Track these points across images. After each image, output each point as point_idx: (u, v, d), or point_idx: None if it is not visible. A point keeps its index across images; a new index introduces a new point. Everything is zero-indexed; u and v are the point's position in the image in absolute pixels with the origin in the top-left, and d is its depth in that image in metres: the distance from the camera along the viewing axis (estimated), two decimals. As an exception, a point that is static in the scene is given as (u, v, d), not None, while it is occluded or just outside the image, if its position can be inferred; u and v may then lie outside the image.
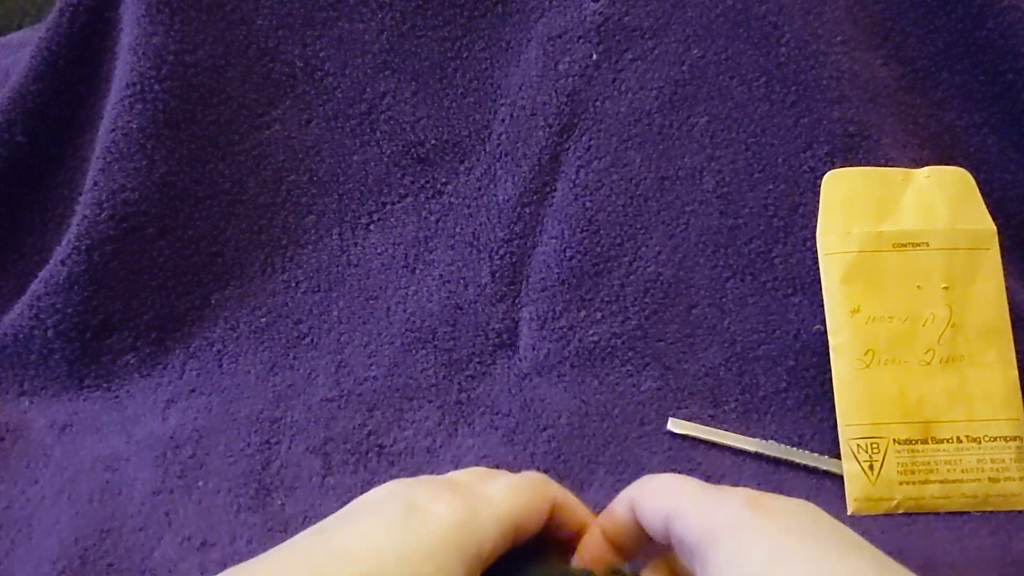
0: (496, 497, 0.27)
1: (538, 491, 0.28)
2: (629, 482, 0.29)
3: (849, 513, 0.38)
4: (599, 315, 0.43)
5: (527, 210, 0.44)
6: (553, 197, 0.44)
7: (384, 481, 0.27)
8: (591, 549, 0.29)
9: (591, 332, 0.43)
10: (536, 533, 0.28)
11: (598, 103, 0.45)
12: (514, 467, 0.37)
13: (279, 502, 0.37)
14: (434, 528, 0.24)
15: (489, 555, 0.25)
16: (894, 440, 0.38)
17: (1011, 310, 0.39)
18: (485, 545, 0.25)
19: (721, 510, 0.24)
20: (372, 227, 0.46)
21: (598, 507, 0.30)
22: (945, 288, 0.39)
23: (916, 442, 0.38)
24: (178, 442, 0.40)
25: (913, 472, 0.38)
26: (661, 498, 0.26)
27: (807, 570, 0.22)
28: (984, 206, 0.41)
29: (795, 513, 0.25)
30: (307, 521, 0.35)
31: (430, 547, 0.24)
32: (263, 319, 0.44)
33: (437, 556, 0.24)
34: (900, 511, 0.38)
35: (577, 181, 0.44)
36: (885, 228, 0.40)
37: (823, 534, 0.24)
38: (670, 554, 0.28)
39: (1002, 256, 0.40)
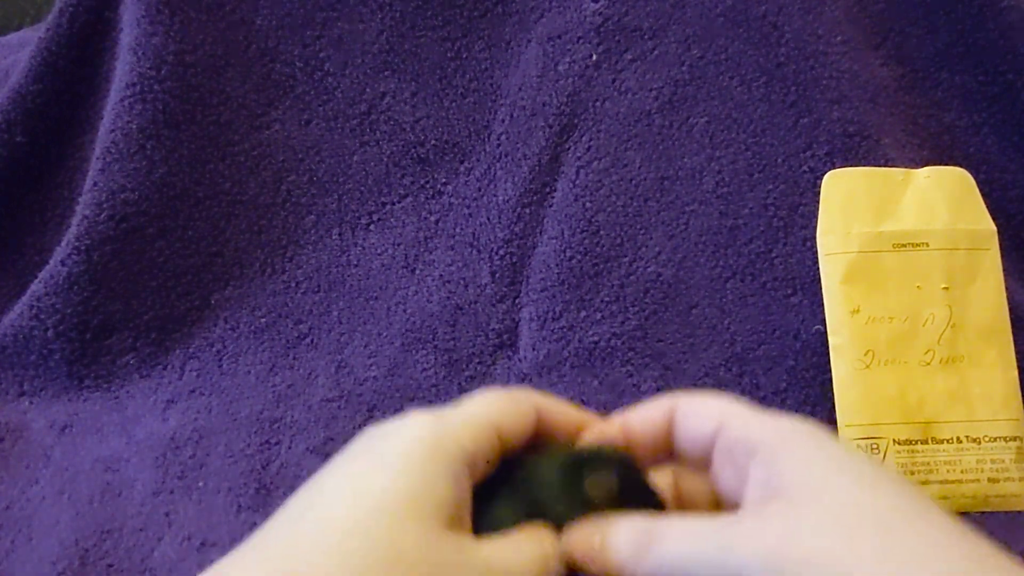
0: (466, 404, 0.27)
1: (516, 396, 0.28)
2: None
3: (849, 513, 0.38)
4: (599, 315, 0.43)
5: (527, 210, 0.44)
6: (553, 197, 0.44)
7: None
8: (605, 435, 0.28)
9: (591, 332, 0.43)
10: (528, 442, 0.28)
11: (598, 103, 0.45)
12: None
13: (279, 502, 0.37)
14: (400, 439, 0.24)
15: (473, 457, 0.25)
16: (894, 440, 0.38)
17: (1011, 310, 0.39)
18: (463, 443, 0.25)
19: (785, 419, 0.25)
20: (372, 227, 0.46)
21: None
22: (945, 288, 0.39)
23: (916, 442, 0.38)
24: (178, 442, 0.40)
25: (913, 472, 0.38)
26: (716, 404, 0.26)
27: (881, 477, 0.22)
28: (984, 206, 0.41)
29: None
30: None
31: (399, 458, 0.24)
32: (263, 319, 0.44)
33: (413, 460, 0.23)
34: (900, 511, 0.38)
35: (577, 181, 0.44)
36: (885, 228, 0.40)
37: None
38: (679, 467, 0.28)
39: (1002, 256, 0.40)
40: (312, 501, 0.24)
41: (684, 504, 0.28)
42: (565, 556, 0.25)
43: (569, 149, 0.44)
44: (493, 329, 0.43)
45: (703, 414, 0.26)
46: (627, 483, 0.26)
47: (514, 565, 0.24)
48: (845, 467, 0.23)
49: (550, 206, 0.44)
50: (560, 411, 0.29)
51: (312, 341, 0.44)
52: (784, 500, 0.22)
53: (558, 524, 0.26)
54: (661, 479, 0.28)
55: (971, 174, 0.41)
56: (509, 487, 0.27)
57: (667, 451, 0.28)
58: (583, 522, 0.26)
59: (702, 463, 0.27)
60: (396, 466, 0.24)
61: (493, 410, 0.27)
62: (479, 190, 0.45)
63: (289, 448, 0.40)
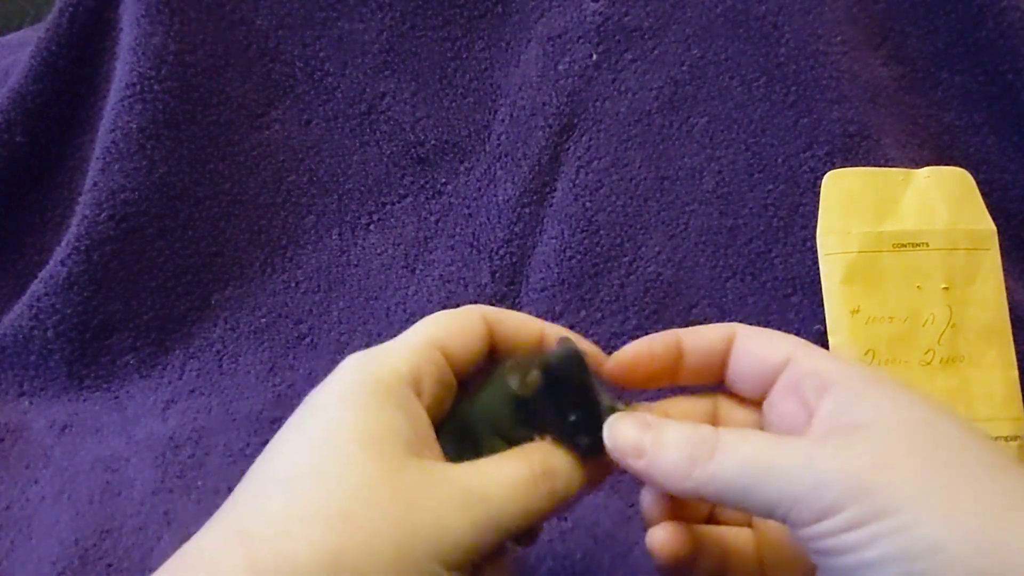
0: (405, 331, 0.26)
1: (459, 312, 0.26)
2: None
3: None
4: (599, 315, 0.43)
5: (527, 210, 0.44)
6: (553, 197, 0.44)
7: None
8: (641, 358, 0.27)
9: (591, 332, 0.42)
10: (481, 359, 0.26)
11: (598, 103, 0.45)
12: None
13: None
14: (334, 382, 0.24)
15: (415, 380, 0.24)
16: (894, 440, 0.38)
17: (1011, 310, 0.39)
18: (398, 368, 0.24)
19: (854, 361, 0.25)
20: (372, 227, 0.46)
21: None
22: (945, 288, 0.39)
23: (916, 442, 0.38)
24: (178, 442, 0.40)
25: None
26: (785, 338, 0.26)
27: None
28: (984, 206, 0.41)
29: None
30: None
31: (336, 398, 0.23)
32: (263, 319, 0.44)
33: (349, 396, 0.23)
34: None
35: (577, 181, 0.44)
36: (885, 228, 0.40)
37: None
38: (721, 396, 0.27)
39: (1002, 256, 0.40)
40: (262, 465, 0.23)
41: None
42: (573, 475, 0.24)
43: (569, 149, 0.44)
44: (493, 329, 0.43)
45: (771, 345, 0.26)
46: (561, 382, 0.25)
47: (494, 486, 0.23)
48: (915, 404, 0.23)
49: (550, 206, 0.44)
50: (515, 321, 0.27)
51: (312, 341, 0.44)
52: (865, 431, 0.22)
53: (511, 442, 0.25)
54: (701, 407, 0.27)
55: (971, 174, 0.41)
56: (472, 410, 0.26)
57: (715, 377, 0.27)
58: (534, 440, 0.25)
59: (753, 393, 0.27)
60: (334, 407, 0.23)
61: (432, 329, 0.26)
62: (479, 190, 0.45)
63: (289, 448, 0.40)
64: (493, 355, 0.27)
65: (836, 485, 0.21)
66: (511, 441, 0.25)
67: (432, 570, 0.21)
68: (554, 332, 0.27)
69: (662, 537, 0.25)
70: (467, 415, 0.26)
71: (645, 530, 0.26)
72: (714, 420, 0.28)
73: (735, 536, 0.27)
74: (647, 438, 0.24)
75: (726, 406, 0.28)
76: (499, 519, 0.22)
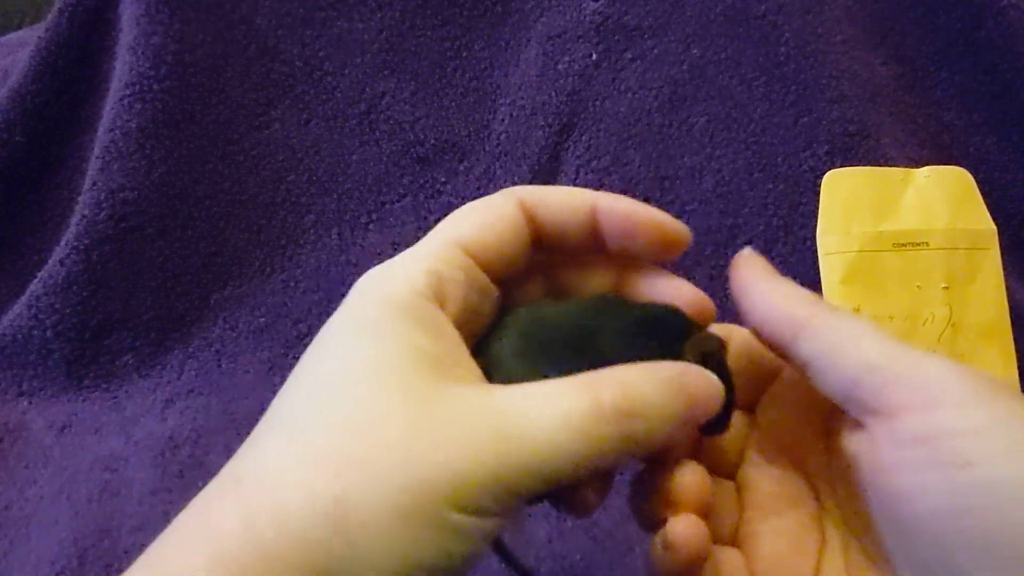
0: (427, 235, 0.21)
1: (486, 202, 0.22)
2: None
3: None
4: (599, 315, 0.43)
5: (527, 210, 0.44)
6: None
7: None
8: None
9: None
10: (523, 252, 0.22)
11: (598, 103, 0.45)
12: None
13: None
14: (344, 312, 0.20)
15: (436, 289, 0.20)
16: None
17: (1011, 310, 0.39)
18: (413, 281, 0.20)
19: None
20: (371, 227, 0.45)
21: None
22: (945, 288, 0.39)
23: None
24: (177, 442, 0.40)
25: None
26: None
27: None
28: (984, 206, 0.41)
29: None
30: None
31: (345, 329, 0.20)
32: (262, 319, 0.44)
33: (359, 325, 0.20)
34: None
35: (577, 181, 0.44)
36: (885, 228, 0.40)
37: None
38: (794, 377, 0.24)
39: (1002, 256, 0.40)
40: (272, 408, 0.21)
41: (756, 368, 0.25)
42: (662, 418, 0.19)
43: (569, 148, 0.44)
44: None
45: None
46: (721, 358, 0.22)
47: (540, 419, 0.18)
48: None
49: (550, 206, 0.44)
50: (558, 198, 0.22)
51: (311, 340, 0.44)
52: None
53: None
54: (741, 334, 0.25)
55: (971, 174, 0.41)
56: (534, 328, 0.21)
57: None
58: None
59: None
60: (341, 336, 0.20)
61: (453, 228, 0.21)
62: (478, 189, 0.45)
63: (288, 448, 0.40)
64: (541, 243, 0.22)
65: (967, 376, 0.19)
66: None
67: (448, 518, 0.17)
68: (613, 205, 0.22)
69: (684, 528, 0.21)
70: (547, 327, 0.21)
71: (648, 526, 0.23)
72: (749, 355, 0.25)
73: (722, 554, 0.24)
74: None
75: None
76: (541, 462, 0.18)
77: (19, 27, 0.63)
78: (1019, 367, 0.39)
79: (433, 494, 0.17)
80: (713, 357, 0.22)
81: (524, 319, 0.22)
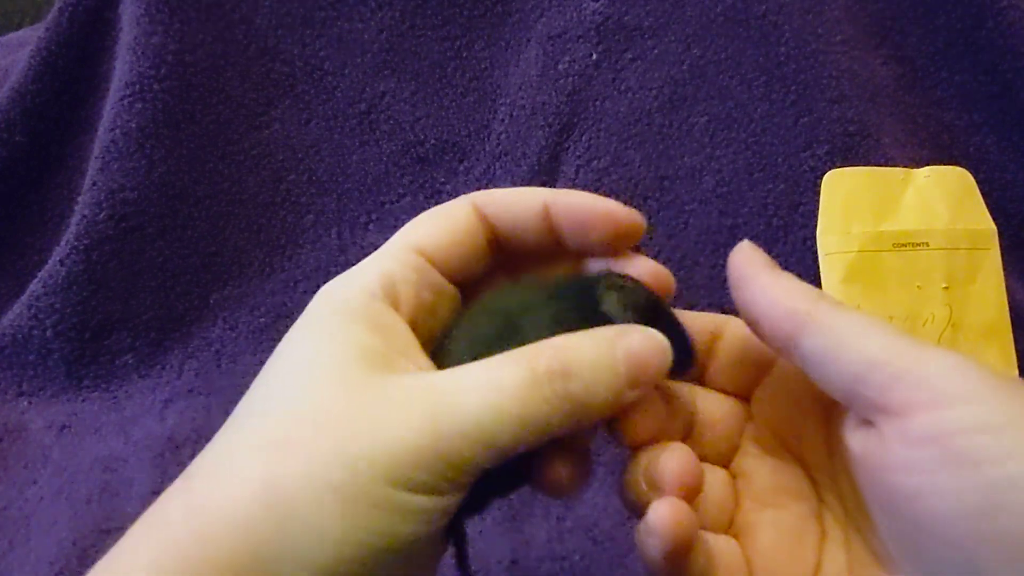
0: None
1: (440, 208, 0.23)
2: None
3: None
4: (599, 315, 0.43)
5: (526, 210, 0.44)
6: (552, 197, 0.44)
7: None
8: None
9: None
10: (479, 254, 0.23)
11: (597, 102, 0.45)
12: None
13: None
14: (302, 320, 0.21)
15: (388, 289, 0.21)
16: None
17: (1011, 310, 0.39)
18: (365, 283, 0.21)
19: None
20: (371, 227, 0.45)
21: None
22: (945, 288, 0.39)
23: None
24: (176, 442, 0.39)
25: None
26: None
27: None
28: (984, 206, 0.41)
29: None
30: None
31: (300, 333, 0.21)
32: (262, 319, 0.44)
33: (311, 327, 0.21)
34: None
35: (576, 180, 0.44)
36: (885, 228, 0.40)
37: None
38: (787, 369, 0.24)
39: (1002, 256, 0.40)
40: (232, 414, 0.22)
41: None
42: (597, 375, 0.19)
43: (568, 148, 0.44)
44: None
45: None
46: (651, 306, 0.22)
47: (473, 390, 0.18)
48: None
49: (550, 206, 0.44)
50: (509, 200, 0.23)
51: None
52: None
53: None
54: (735, 323, 0.25)
55: (971, 174, 0.41)
56: (482, 318, 0.22)
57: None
58: None
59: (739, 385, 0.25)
60: (296, 339, 0.21)
61: (409, 233, 0.22)
62: (478, 189, 0.45)
63: (288, 448, 0.40)
64: (500, 244, 0.23)
65: (977, 371, 0.18)
66: None
67: (387, 495, 0.18)
68: (564, 200, 0.23)
69: (666, 511, 0.20)
70: (498, 318, 0.22)
71: (635, 512, 0.22)
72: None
73: (716, 543, 0.24)
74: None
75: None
76: (477, 428, 0.18)
77: (19, 27, 0.63)
78: (1019, 367, 0.39)
79: (367, 470, 0.18)
80: (640, 307, 0.21)
81: (472, 312, 0.22)
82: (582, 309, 0.21)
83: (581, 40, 0.45)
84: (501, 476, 0.20)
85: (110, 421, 0.41)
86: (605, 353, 0.20)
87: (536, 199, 0.23)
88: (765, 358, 0.24)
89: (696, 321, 0.25)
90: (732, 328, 0.25)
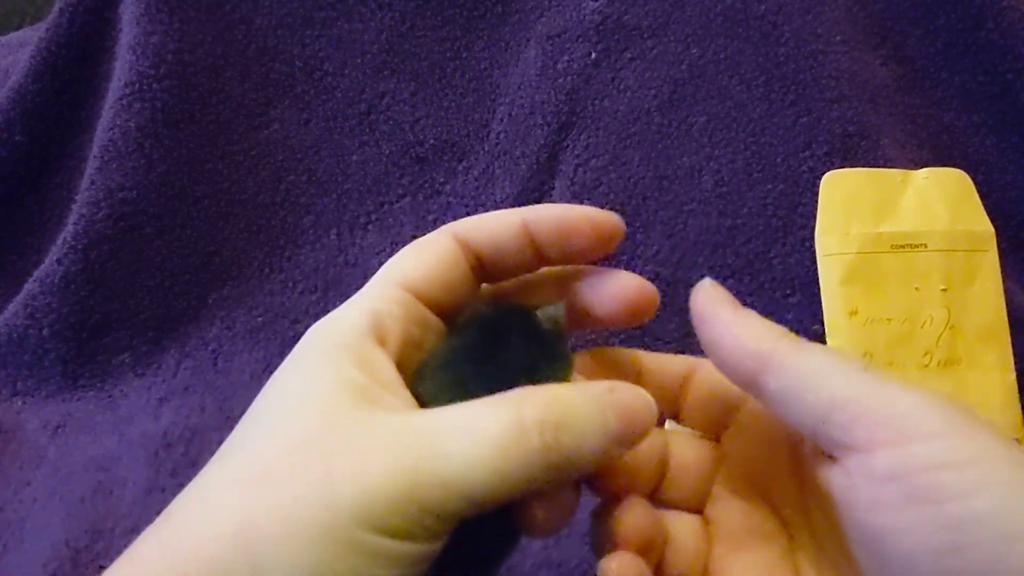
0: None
1: (423, 241, 0.22)
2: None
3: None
4: (597, 316, 0.43)
5: (525, 210, 0.44)
6: (551, 196, 0.44)
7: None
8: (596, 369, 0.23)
9: (590, 331, 0.42)
10: (464, 284, 0.23)
11: (597, 102, 0.45)
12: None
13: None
14: (291, 353, 0.21)
15: (375, 327, 0.21)
16: (893, 442, 0.38)
17: (1009, 312, 0.39)
18: (352, 321, 0.21)
19: None
20: (370, 227, 0.45)
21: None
22: (944, 290, 0.39)
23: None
24: (171, 440, 0.39)
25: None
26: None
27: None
28: (982, 208, 0.41)
29: None
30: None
31: (286, 374, 0.21)
32: (260, 319, 0.44)
33: (297, 367, 0.21)
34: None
35: (575, 180, 0.44)
36: (884, 229, 0.40)
37: None
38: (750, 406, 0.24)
39: (1000, 258, 0.40)
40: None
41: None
42: (590, 427, 0.19)
43: (567, 148, 0.44)
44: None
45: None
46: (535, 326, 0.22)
47: (455, 434, 0.18)
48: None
49: (548, 206, 0.44)
50: (489, 226, 0.23)
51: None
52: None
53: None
54: (704, 365, 0.25)
55: (970, 175, 0.41)
56: (449, 355, 0.22)
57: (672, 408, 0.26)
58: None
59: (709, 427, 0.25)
60: (282, 379, 0.21)
61: (394, 269, 0.23)
62: (477, 189, 0.45)
63: (285, 448, 0.39)
64: (482, 269, 0.24)
65: (940, 407, 0.18)
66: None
67: (361, 539, 0.17)
68: (542, 214, 0.23)
69: (616, 567, 0.21)
70: (463, 350, 0.22)
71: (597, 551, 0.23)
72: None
73: (677, 521, 0.24)
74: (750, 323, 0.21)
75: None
76: (457, 479, 0.18)
77: (19, 27, 0.63)
78: (1017, 369, 0.39)
79: (342, 512, 0.17)
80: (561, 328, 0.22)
81: (445, 345, 0.22)
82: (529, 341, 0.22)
83: (580, 40, 0.45)
84: (483, 526, 0.19)
85: (105, 420, 0.41)
86: (598, 411, 0.19)
87: (514, 219, 0.23)
88: (735, 397, 0.24)
89: (669, 364, 0.25)
90: (703, 368, 0.25)
